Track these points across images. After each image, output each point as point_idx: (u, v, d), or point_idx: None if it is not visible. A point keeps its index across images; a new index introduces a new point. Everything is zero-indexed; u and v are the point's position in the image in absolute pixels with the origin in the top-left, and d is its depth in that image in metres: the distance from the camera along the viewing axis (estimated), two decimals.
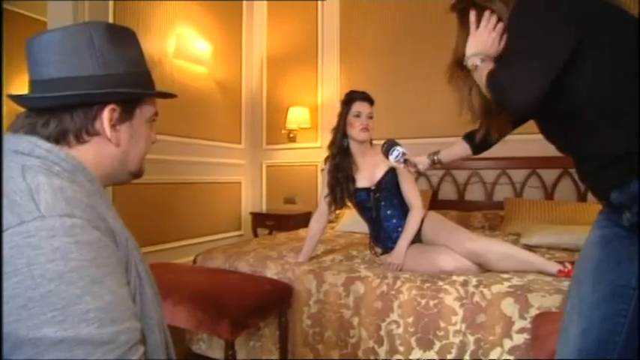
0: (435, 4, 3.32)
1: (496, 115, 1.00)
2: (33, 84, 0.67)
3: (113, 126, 0.69)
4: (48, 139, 0.65)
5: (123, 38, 0.72)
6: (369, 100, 2.04)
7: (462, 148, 1.49)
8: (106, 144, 0.70)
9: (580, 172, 0.90)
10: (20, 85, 3.72)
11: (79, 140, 0.67)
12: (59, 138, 0.66)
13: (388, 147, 1.60)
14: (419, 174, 1.62)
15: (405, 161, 1.57)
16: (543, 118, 0.92)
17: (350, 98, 2.04)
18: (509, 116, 1.04)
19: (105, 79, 0.67)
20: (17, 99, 0.67)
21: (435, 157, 1.55)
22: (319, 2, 3.92)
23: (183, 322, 1.56)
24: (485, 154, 2.35)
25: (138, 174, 0.80)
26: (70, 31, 0.67)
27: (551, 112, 0.85)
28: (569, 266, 1.68)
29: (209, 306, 1.55)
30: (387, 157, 1.61)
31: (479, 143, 1.43)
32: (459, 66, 0.98)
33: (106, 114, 0.68)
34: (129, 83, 0.70)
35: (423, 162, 1.57)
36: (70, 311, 0.51)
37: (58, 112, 0.66)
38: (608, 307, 0.81)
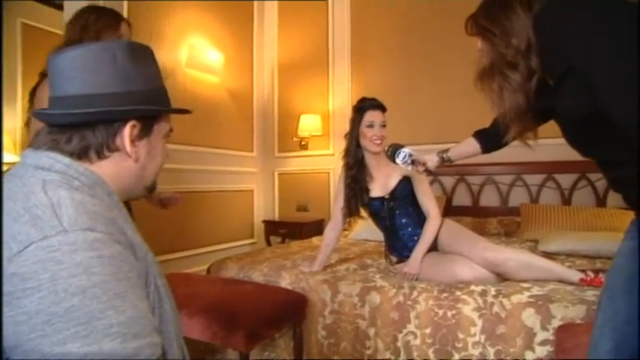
0: (446, 8, 3.31)
1: (525, 115, 0.95)
2: (55, 100, 0.67)
3: (132, 142, 0.70)
4: (70, 155, 0.66)
5: (143, 55, 0.73)
6: (382, 108, 2.01)
7: (471, 147, 1.46)
8: (125, 159, 0.70)
9: (609, 178, 0.86)
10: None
11: (100, 156, 0.68)
12: (81, 154, 0.66)
13: (393, 150, 1.59)
14: (429, 173, 1.60)
15: (413, 162, 1.56)
16: (571, 120, 0.88)
17: (361, 107, 2.00)
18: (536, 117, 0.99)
19: (126, 95, 0.68)
20: (40, 115, 0.68)
21: (445, 155, 1.53)
22: (330, 10, 3.92)
23: (197, 334, 1.55)
24: (500, 158, 2.32)
25: (152, 188, 0.81)
26: (93, 48, 0.68)
27: (581, 113, 0.81)
28: (591, 275, 1.63)
29: (223, 318, 1.54)
30: (393, 161, 1.60)
31: (489, 142, 1.41)
32: (489, 71, 0.93)
33: (127, 130, 0.68)
34: (148, 100, 0.71)
35: (432, 160, 1.55)
36: (94, 326, 0.51)
37: (80, 128, 0.66)
38: None
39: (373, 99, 2.03)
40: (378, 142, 1.94)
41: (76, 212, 0.56)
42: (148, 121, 0.72)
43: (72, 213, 0.56)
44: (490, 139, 1.37)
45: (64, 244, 0.52)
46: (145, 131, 0.72)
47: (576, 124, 0.85)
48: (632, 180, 0.77)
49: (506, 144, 1.29)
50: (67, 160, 0.64)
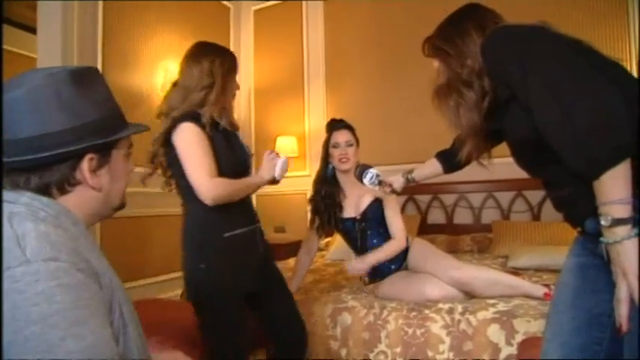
0: (418, 29, 3.42)
1: (480, 133, 0.99)
2: (8, 143, 0.65)
3: (93, 172, 0.70)
4: (33, 192, 0.66)
5: (88, 81, 0.71)
6: (347, 127, 2.05)
7: (434, 167, 1.51)
8: (88, 190, 0.71)
9: (553, 198, 0.91)
10: None
11: (63, 192, 0.68)
12: (43, 191, 0.66)
13: (361, 171, 1.63)
14: (396, 193, 1.64)
15: (380, 183, 1.60)
16: (516, 142, 0.93)
17: (328, 128, 2.07)
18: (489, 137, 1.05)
19: (79, 129, 0.67)
20: None
21: (409, 176, 1.58)
22: (304, 33, 4.02)
23: None
24: (472, 177, 2.39)
25: (120, 207, 0.81)
26: (34, 86, 0.65)
27: (525, 137, 0.86)
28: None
29: (194, 344, 1.53)
30: (361, 182, 1.64)
31: (450, 163, 1.47)
32: (445, 88, 0.98)
33: (85, 164, 0.69)
34: (103, 128, 0.70)
35: (398, 181, 1.59)
36: (54, 354, 0.51)
37: (36, 169, 0.66)
38: (586, 335, 0.82)
39: (338, 120, 2.09)
40: (345, 160, 1.97)
41: (39, 243, 0.57)
42: (105, 150, 0.72)
43: (35, 244, 0.57)
44: (451, 159, 1.43)
45: (26, 275, 0.54)
46: (104, 160, 0.72)
47: (520, 146, 0.90)
48: (572, 201, 0.82)
49: (463, 164, 1.34)
50: (29, 193, 0.65)
